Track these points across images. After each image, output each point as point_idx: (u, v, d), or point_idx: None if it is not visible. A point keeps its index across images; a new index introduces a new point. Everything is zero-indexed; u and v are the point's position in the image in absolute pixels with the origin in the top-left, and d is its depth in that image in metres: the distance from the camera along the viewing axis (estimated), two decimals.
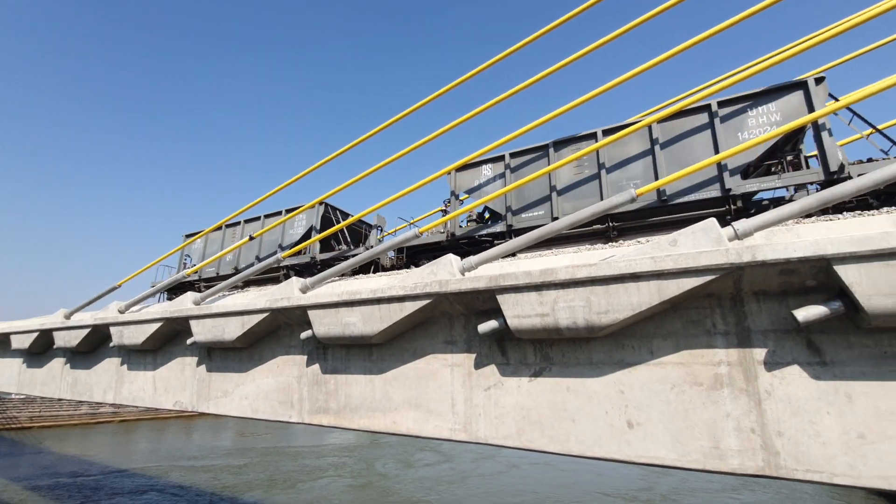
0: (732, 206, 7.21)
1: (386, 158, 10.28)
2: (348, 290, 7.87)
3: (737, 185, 7.09)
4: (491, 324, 6.50)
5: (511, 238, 9.08)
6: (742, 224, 5.41)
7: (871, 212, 5.72)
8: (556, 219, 8.12)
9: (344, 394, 8.32)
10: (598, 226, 8.22)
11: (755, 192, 7.15)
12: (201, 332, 9.70)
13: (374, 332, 7.47)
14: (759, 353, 5.35)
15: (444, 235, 9.93)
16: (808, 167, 7.02)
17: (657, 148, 7.84)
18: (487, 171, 9.85)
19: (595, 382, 6.18)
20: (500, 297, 6.36)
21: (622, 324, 5.77)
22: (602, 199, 8.09)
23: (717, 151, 7.27)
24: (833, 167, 6.49)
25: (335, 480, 26.58)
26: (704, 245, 5.41)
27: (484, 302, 6.84)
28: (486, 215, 10.33)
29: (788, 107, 6.98)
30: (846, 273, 4.54)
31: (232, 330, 9.21)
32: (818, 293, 5.04)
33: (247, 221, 14.29)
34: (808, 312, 4.76)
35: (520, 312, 6.20)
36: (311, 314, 8.19)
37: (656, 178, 7.67)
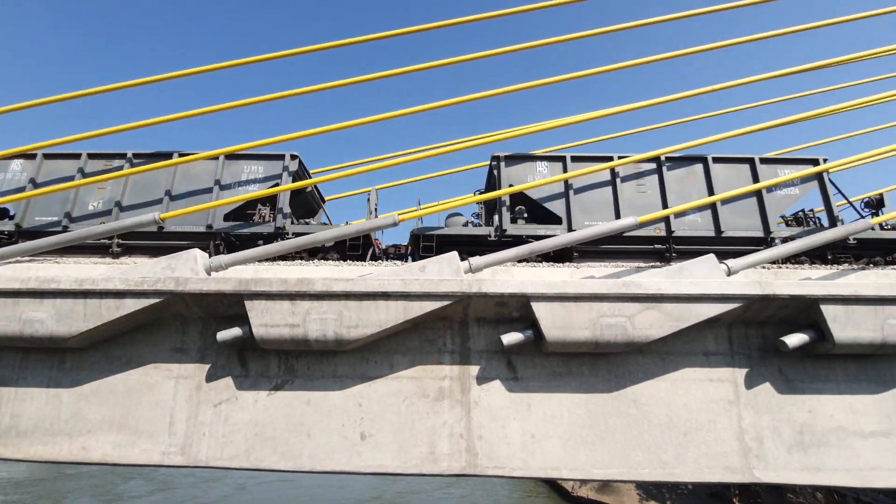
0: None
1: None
2: (39, 277, 6.05)
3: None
4: (234, 331, 5.93)
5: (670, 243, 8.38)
6: (476, 260, 6.43)
7: (563, 264, 7.60)
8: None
9: (8, 413, 6.26)
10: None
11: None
12: None
13: (73, 334, 5.91)
14: (475, 370, 6.36)
15: (490, 229, 8.48)
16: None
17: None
18: (543, 168, 8.77)
19: (336, 396, 6.26)
20: (248, 303, 5.88)
21: (369, 339, 6.05)
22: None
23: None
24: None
25: None
26: (447, 274, 6.19)
27: (229, 307, 6.21)
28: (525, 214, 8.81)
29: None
30: (538, 309, 5.86)
31: None
32: (519, 323, 6.33)
33: (138, 157, 9.21)
34: (510, 338, 5.92)
35: (269, 321, 5.86)
36: None
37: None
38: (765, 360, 6.41)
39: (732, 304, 5.96)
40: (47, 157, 9.14)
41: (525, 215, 8.50)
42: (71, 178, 8.81)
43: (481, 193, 9.56)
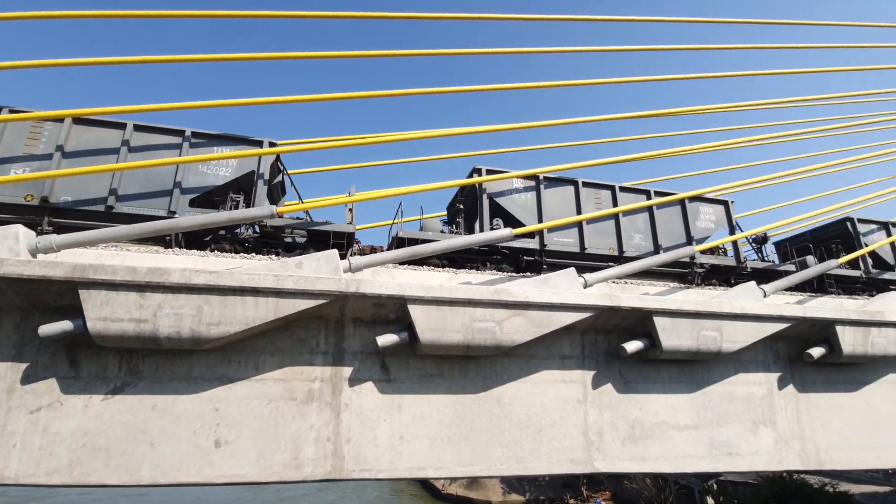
0: None
1: None
2: None
3: (183, 209, 7.55)
4: (61, 325, 5.08)
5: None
6: (356, 259, 6.34)
7: (444, 269, 7.83)
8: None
9: None
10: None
11: None
12: None
13: None
14: (348, 371, 6.25)
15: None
16: None
17: None
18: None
19: (189, 400, 5.68)
20: (84, 293, 5.08)
21: (232, 337, 5.61)
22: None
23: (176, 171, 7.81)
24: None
25: None
26: (325, 272, 6.01)
27: (59, 296, 5.31)
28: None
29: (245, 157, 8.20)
30: (414, 311, 5.96)
31: None
32: (396, 325, 6.38)
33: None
34: (385, 339, 5.93)
35: (109, 314, 5.12)
36: None
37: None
38: (609, 363, 7.28)
39: (587, 314, 6.68)
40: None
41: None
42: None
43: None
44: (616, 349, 7.15)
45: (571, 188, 9.75)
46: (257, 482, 5.77)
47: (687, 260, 9.61)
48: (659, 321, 6.85)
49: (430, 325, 6.01)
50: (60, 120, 7.50)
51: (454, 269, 7.81)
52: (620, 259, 9.41)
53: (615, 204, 9.80)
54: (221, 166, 8.10)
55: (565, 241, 9.27)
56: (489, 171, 9.09)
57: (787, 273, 9.94)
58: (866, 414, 8.43)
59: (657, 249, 9.71)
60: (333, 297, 5.78)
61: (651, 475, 26.98)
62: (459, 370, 6.65)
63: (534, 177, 9.42)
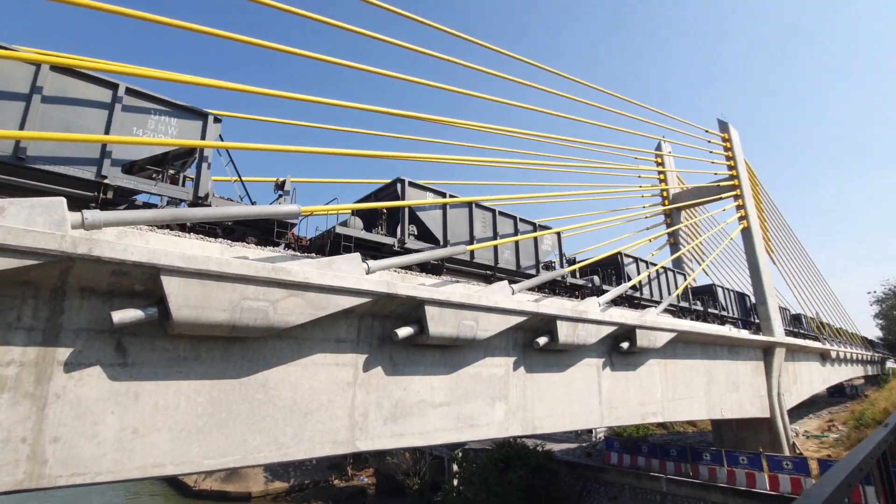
0: (102, 195, 6.73)
1: None
2: None
3: (114, 176, 6.74)
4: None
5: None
6: (94, 214, 5.08)
7: (217, 239, 6.93)
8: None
9: None
10: None
11: (133, 191, 7.03)
12: None
13: None
14: (64, 353, 4.96)
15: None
16: (184, 186, 7.76)
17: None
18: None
19: None
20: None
21: None
22: None
23: (106, 132, 6.71)
24: (201, 193, 7.47)
25: None
26: (41, 224, 4.63)
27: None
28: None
29: (187, 128, 7.57)
30: (169, 284, 5.10)
31: None
32: (142, 298, 5.36)
33: None
34: (125, 315, 4.91)
35: None
36: None
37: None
38: (381, 347, 7.63)
39: (366, 298, 6.84)
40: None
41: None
42: None
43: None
44: (389, 334, 7.54)
45: (467, 209, 11.36)
46: None
47: (491, 263, 11.37)
48: (429, 310, 7.50)
49: (190, 302, 5.25)
50: None
51: (229, 241, 7.02)
52: (495, 269, 11.30)
53: (495, 224, 11.80)
54: (160, 133, 7.11)
55: (460, 250, 10.20)
56: (411, 184, 10.26)
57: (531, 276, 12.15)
58: (568, 389, 10.95)
59: (518, 264, 11.90)
60: (50, 257, 4.51)
61: (409, 449, 29.58)
62: (222, 353, 6.00)
63: (441, 194, 10.87)
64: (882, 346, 67.91)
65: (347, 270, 6.79)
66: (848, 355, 39.21)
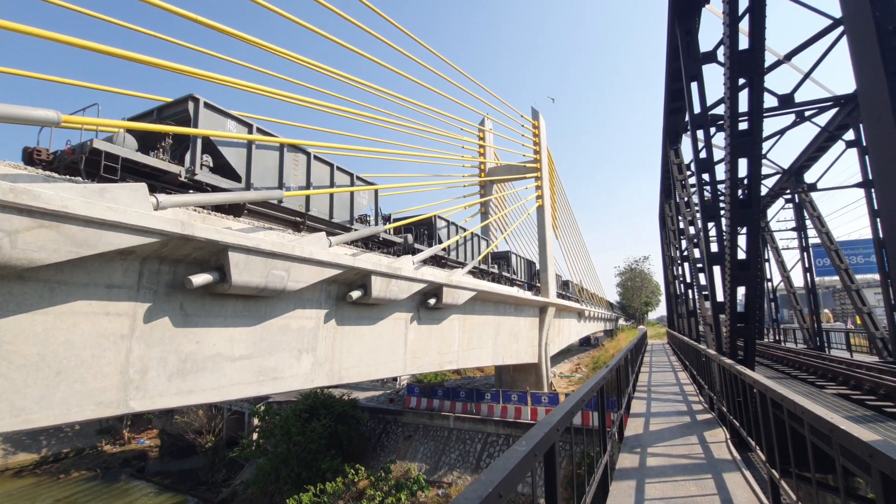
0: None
1: None
2: None
3: None
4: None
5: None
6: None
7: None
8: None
9: None
10: None
11: None
12: None
13: None
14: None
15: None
16: None
17: None
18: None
19: None
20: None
21: None
22: None
23: None
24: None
25: None
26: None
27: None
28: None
29: None
30: None
31: None
32: None
33: None
34: None
35: None
36: None
37: None
38: (170, 296, 6.68)
39: (152, 238, 5.83)
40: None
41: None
42: None
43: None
44: (182, 280, 6.63)
45: (277, 150, 9.90)
46: None
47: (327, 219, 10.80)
48: (234, 256, 6.82)
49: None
50: None
51: None
52: (306, 217, 10.27)
53: (309, 169, 10.53)
54: None
55: (276, 195, 8.99)
56: (207, 105, 8.39)
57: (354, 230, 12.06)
58: (377, 341, 11.40)
59: (331, 215, 11.11)
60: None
61: (203, 406, 27.23)
62: None
63: (248, 126, 9.15)
64: (618, 308, 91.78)
65: (128, 203, 5.64)
66: (596, 314, 50.08)
